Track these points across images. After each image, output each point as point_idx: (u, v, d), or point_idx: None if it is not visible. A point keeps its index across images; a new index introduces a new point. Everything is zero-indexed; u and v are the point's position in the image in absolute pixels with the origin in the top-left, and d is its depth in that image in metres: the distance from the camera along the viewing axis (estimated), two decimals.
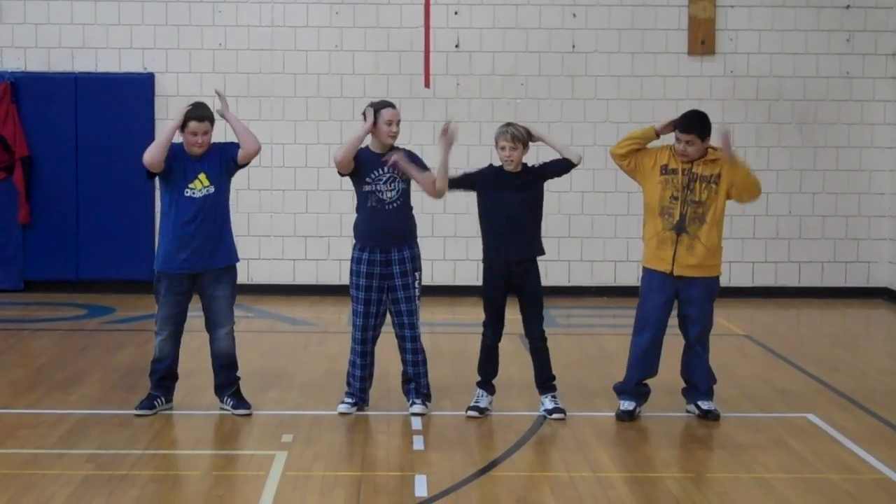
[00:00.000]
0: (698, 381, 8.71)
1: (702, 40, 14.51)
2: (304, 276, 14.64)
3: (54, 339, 11.66)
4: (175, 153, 8.45)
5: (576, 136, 14.40)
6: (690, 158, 8.50)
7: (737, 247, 14.64)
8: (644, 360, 8.72)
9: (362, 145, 8.67)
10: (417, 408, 8.64)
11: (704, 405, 8.66)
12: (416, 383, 8.72)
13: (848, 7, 14.59)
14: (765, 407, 9.09)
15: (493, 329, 8.71)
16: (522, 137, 8.57)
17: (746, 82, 14.59)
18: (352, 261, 8.67)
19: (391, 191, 8.53)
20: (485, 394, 8.73)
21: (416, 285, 8.68)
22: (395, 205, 8.54)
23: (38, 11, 14.37)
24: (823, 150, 14.69)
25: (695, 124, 8.48)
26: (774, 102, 14.62)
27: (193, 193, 8.46)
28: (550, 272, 13.80)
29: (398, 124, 8.62)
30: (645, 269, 8.71)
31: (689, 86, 14.55)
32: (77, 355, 10.77)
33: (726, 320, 13.06)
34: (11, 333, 11.95)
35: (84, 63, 14.41)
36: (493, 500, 6.87)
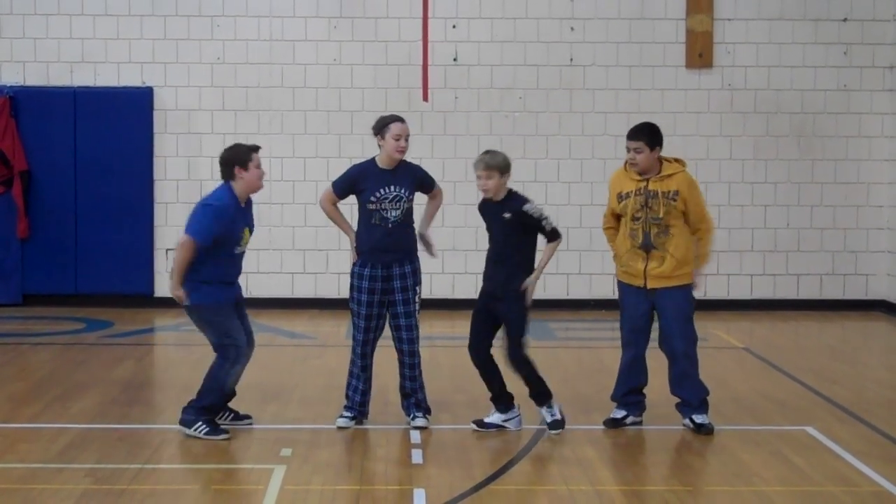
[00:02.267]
0: (689, 395, 8.69)
1: (699, 53, 14.54)
2: (303, 290, 14.64)
3: (53, 352, 11.65)
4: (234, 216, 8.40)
5: (574, 149, 14.44)
6: (640, 168, 8.51)
7: (735, 259, 14.67)
8: (629, 373, 8.78)
9: (365, 161, 8.74)
10: (420, 421, 8.64)
11: (698, 419, 8.64)
12: (415, 398, 8.72)
13: (845, 20, 14.62)
14: (763, 420, 9.09)
15: (471, 349, 8.68)
16: (498, 165, 8.44)
17: (744, 95, 14.62)
18: (352, 275, 8.67)
19: (396, 209, 8.54)
20: (493, 410, 8.68)
21: (416, 300, 8.69)
22: (397, 222, 8.56)
23: (36, 26, 14.40)
24: (821, 163, 14.71)
25: (642, 132, 8.55)
26: (772, 115, 14.65)
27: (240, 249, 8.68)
28: (549, 285, 13.84)
29: (407, 139, 8.59)
30: (619, 283, 8.81)
31: (687, 99, 14.58)
32: (76, 369, 10.76)
33: (725, 333, 13.07)
34: (10, 347, 11.94)
35: (83, 77, 14.44)
36: None
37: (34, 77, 14.43)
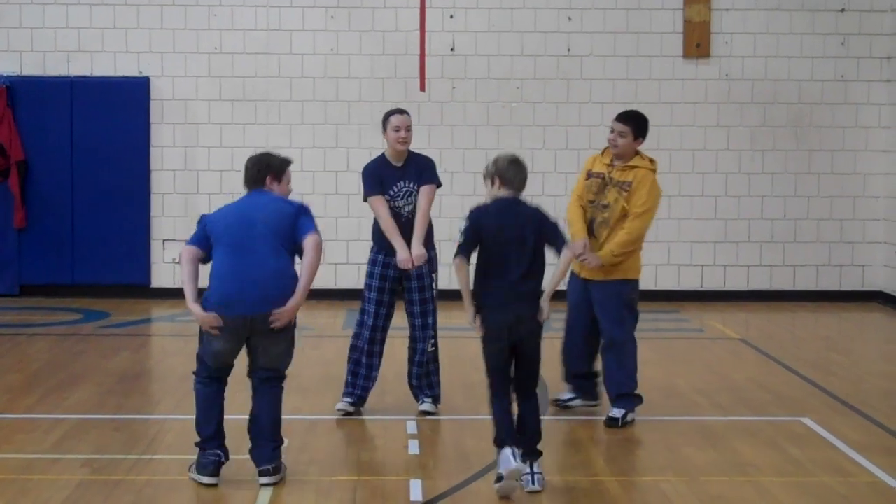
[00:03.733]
0: (609, 386, 8.68)
1: (697, 44, 14.53)
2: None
3: (50, 343, 11.66)
4: None
5: (571, 140, 14.43)
6: (618, 152, 8.51)
7: (732, 250, 14.67)
8: (568, 358, 8.84)
9: (375, 159, 8.76)
10: (427, 405, 8.64)
11: (611, 412, 8.59)
12: (427, 381, 8.71)
13: (843, 10, 14.61)
14: (760, 410, 9.10)
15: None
16: (486, 172, 7.60)
17: (741, 85, 14.61)
18: (368, 262, 8.72)
19: (409, 205, 8.58)
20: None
21: (433, 286, 8.70)
22: (410, 217, 8.57)
23: (33, 15, 14.37)
24: (818, 154, 14.70)
25: (632, 118, 8.58)
26: (769, 106, 14.64)
27: None
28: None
29: (407, 129, 8.59)
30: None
31: (685, 89, 14.57)
32: (73, 360, 10.76)
33: (721, 324, 13.09)
34: (7, 338, 11.94)
35: (79, 67, 14.41)
36: None
37: (31, 66, 14.41)
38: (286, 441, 7.38)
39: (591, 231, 8.55)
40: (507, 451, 6.85)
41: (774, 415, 8.97)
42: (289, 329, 7.18)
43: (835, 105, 14.66)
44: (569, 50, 14.55)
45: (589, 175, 8.66)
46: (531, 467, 6.99)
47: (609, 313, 8.59)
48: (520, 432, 7.02)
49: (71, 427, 8.31)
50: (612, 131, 8.56)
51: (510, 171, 7.20)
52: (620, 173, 8.51)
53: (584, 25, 14.53)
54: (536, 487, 6.96)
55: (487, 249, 7.06)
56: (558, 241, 7.23)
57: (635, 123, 8.54)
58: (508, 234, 7.06)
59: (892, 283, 14.53)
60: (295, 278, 7.05)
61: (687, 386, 9.87)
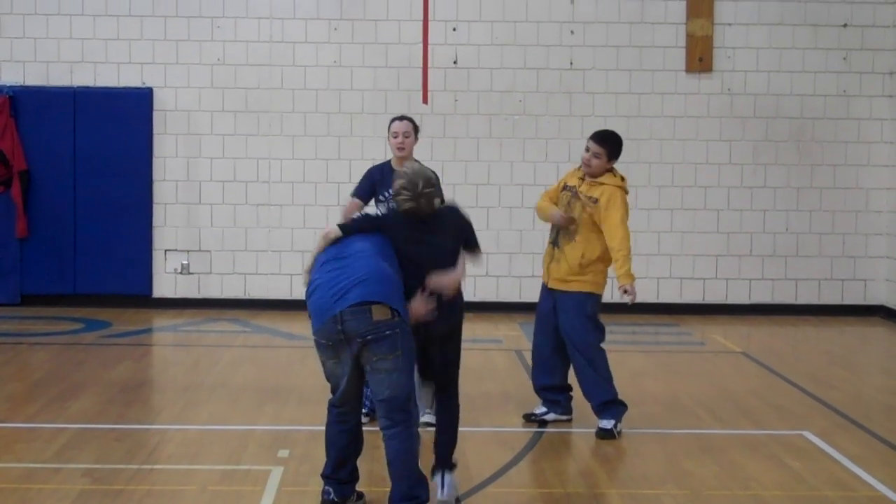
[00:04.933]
0: (589, 397, 8.71)
1: (699, 58, 14.55)
2: (301, 291, 14.53)
3: (51, 353, 11.65)
4: None
5: (573, 153, 14.39)
6: (591, 171, 8.62)
7: (734, 264, 14.67)
8: (535, 370, 8.85)
9: (382, 162, 8.93)
10: (428, 417, 8.62)
11: (601, 423, 8.61)
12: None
13: (845, 25, 14.63)
14: (761, 424, 9.09)
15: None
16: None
17: (744, 100, 14.63)
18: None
19: None
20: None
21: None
22: None
23: (36, 26, 14.40)
24: (820, 168, 14.71)
25: (608, 140, 8.67)
26: (772, 120, 14.65)
27: None
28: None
29: (405, 136, 8.77)
30: None
31: (687, 103, 14.58)
32: (74, 369, 10.76)
33: (723, 337, 13.08)
34: (8, 347, 11.94)
35: (82, 77, 14.43)
36: None
37: (34, 77, 14.43)
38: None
39: (556, 241, 8.68)
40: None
41: (775, 428, 8.96)
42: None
43: (837, 120, 14.68)
44: (571, 63, 14.57)
45: (564, 187, 8.80)
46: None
47: (569, 325, 8.67)
48: None
49: (72, 437, 8.31)
50: (588, 150, 8.66)
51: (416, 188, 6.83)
52: (588, 188, 8.65)
53: (587, 39, 14.55)
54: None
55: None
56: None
57: (611, 146, 8.67)
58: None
59: (894, 297, 14.53)
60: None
61: (688, 399, 9.86)
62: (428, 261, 6.79)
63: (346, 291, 6.54)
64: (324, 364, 6.72)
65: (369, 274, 6.57)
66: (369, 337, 6.45)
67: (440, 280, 6.76)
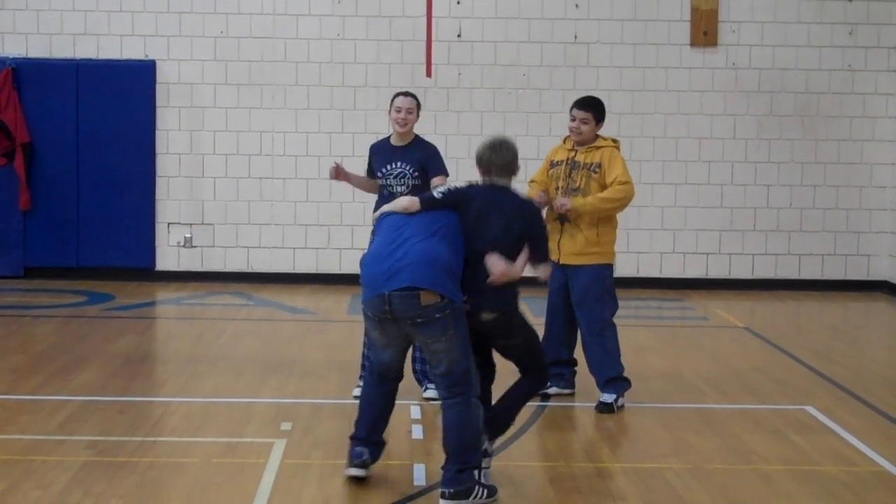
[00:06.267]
0: (595, 372, 8.70)
1: (704, 31, 14.50)
2: (305, 265, 14.63)
3: (55, 325, 11.67)
4: None
5: None
6: (583, 139, 8.64)
7: (737, 239, 14.66)
8: (546, 342, 8.69)
9: (382, 138, 8.89)
10: (431, 392, 8.62)
11: (602, 397, 8.61)
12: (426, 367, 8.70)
13: (851, 0, 14.57)
14: (763, 399, 9.10)
15: None
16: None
17: (748, 74, 14.58)
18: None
19: (401, 185, 8.57)
20: None
21: None
22: None
23: None
24: (825, 143, 14.68)
25: (592, 105, 8.74)
26: (776, 94, 14.61)
27: None
28: None
29: (408, 112, 8.63)
30: None
31: (691, 77, 14.54)
32: (77, 342, 10.78)
33: (726, 312, 13.08)
34: (12, 320, 11.95)
35: (85, 50, 14.40)
36: None
37: (37, 49, 14.40)
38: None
39: (564, 216, 8.59)
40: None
41: (778, 403, 8.97)
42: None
43: (842, 94, 14.64)
44: (576, 37, 14.52)
45: (552, 165, 8.75)
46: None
47: (585, 298, 8.62)
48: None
49: (75, 409, 8.33)
50: (574, 119, 8.68)
51: (485, 155, 7.09)
52: (585, 156, 8.65)
53: (592, 12, 14.50)
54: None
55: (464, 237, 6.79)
56: (539, 252, 6.89)
57: (595, 110, 8.73)
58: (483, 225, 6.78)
59: None
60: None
61: (691, 374, 9.86)
62: (489, 243, 6.71)
63: (396, 272, 6.53)
64: (368, 332, 6.87)
65: (421, 257, 6.56)
66: (419, 320, 6.50)
67: (497, 262, 6.71)
